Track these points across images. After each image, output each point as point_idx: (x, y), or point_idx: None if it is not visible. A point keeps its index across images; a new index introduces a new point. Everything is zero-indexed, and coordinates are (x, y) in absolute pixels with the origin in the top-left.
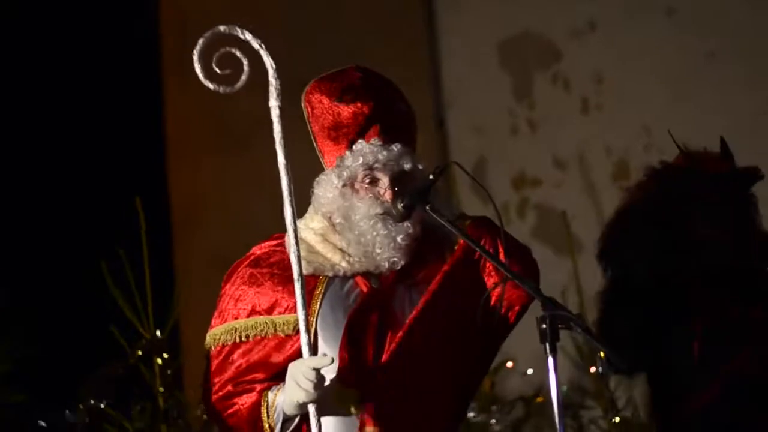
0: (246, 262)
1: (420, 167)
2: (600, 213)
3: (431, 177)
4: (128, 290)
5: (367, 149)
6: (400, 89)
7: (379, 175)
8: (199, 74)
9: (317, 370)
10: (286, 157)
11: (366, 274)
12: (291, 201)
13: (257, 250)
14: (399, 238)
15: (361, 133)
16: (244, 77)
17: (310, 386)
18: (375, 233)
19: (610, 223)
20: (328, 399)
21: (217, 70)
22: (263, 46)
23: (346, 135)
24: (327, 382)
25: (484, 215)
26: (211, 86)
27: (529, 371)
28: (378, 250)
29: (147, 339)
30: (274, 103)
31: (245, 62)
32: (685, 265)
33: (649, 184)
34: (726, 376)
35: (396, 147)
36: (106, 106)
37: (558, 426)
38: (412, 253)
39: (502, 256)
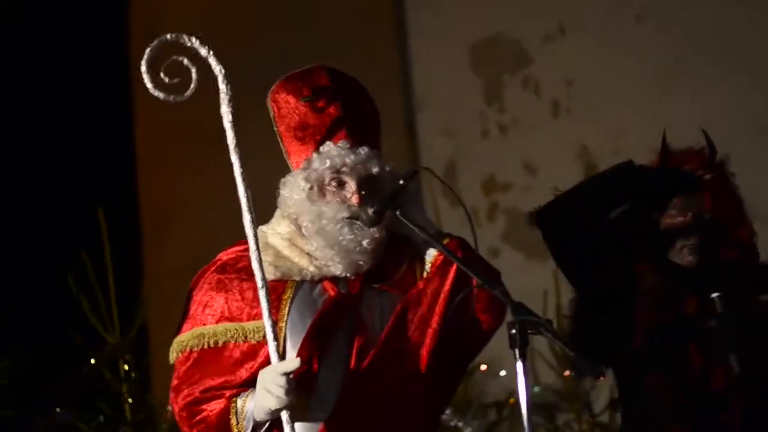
0: (213, 268)
1: (387, 170)
2: None
3: (401, 182)
4: (93, 296)
5: (334, 152)
6: (366, 88)
7: (346, 178)
8: (147, 84)
9: (287, 375)
10: (242, 165)
11: (333, 279)
12: (249, 207)
13: (224, 255)
14: (365, 242)
15: (329, 135)
16: (193, 85)
17: (281, 392)
18: (341, 237)
19: (568, 217)
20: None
21: (166, 80)
22: (211, 52)
23: (313, 136)
24: None
25: (460, 236)
26: (161, 96)
27: (502, 373)
28: (344, 254)
29: (111, 343)
30: (225, 110)
31: (193, 70)
32: (639, 255)
33: (608, 178)
34: (674, 371)
35: (363, 150)
36: (75, 113)
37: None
38: (378, 256)
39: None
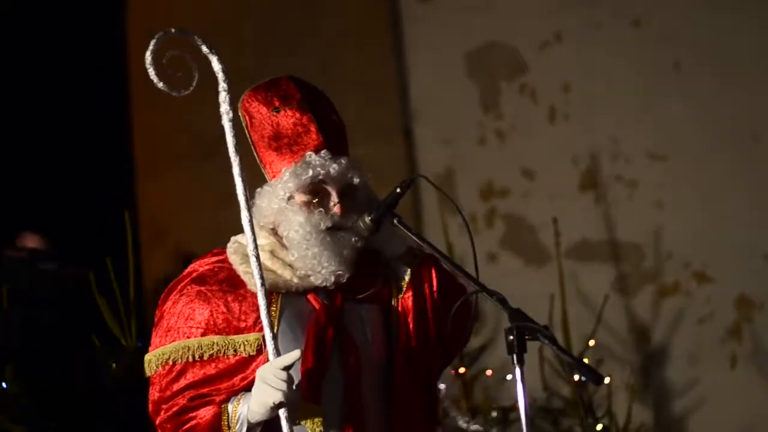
0: (188, 279)
1: (366, 181)
2: (567, 222)
3: (399, 190)
4: (114, 303)
5: (316, 161)
6: (331, 100)
7: (328, 188)
8: (151, 75)
9: (287, 369)
10: (241, 165)
11: (315, 290)
12: (249, 209)
13: (198, 267)
14: (345, 252)
15: (306, 145)
16: (194, 82)
17: (283, 386)
18: (323, 247)
19: None
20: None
21: (169, 72)
22: (213, 51)
23: (289, 146)
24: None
25: (430, 253)
26: (165, 88)
27: (509, 377)
28: (325, 264)
29: (129, 351)
30: (225, 108)
31: (195, 66)
32: None
33: None
34: None
35: (344, 160)
36: (73, 117)
37: None
38: (354, 266)
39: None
